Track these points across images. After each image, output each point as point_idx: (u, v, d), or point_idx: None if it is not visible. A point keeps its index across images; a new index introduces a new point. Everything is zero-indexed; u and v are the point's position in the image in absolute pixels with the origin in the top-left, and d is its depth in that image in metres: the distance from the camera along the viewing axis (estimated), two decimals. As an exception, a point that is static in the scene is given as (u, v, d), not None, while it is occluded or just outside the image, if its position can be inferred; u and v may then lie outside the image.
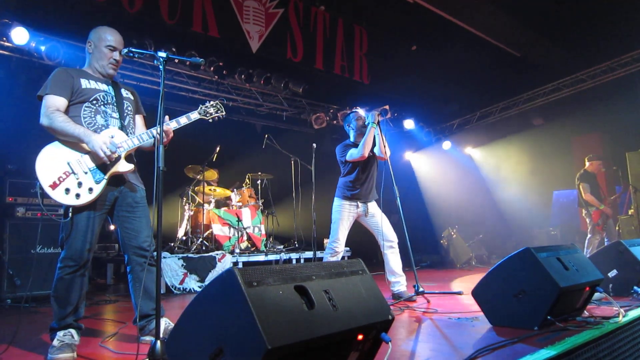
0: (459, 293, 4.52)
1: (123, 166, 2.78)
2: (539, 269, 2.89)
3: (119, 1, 6.16)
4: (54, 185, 2.59)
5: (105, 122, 2.81)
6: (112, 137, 2.76)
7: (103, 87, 2.87)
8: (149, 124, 3.12)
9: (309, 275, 1.87)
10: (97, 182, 2.68)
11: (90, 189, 2.66)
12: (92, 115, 2.78)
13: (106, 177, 2.71)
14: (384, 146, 4.56)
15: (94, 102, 2.80)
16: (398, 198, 4.55)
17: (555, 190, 10.12)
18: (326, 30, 8.57)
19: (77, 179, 2.64)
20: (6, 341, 2.79)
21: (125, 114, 2.93)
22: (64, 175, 2.62)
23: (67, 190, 2.61)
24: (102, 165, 2.71)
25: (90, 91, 2.80)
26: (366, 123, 4.53)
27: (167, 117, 2.91)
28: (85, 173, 2.67)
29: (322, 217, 5.70)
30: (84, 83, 2.80)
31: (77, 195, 2.62)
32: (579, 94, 8.72)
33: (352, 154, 4.51)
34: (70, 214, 2.67)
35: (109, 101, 2.86)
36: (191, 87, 7.60)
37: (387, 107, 4.56)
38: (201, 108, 3.07)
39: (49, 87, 2.72)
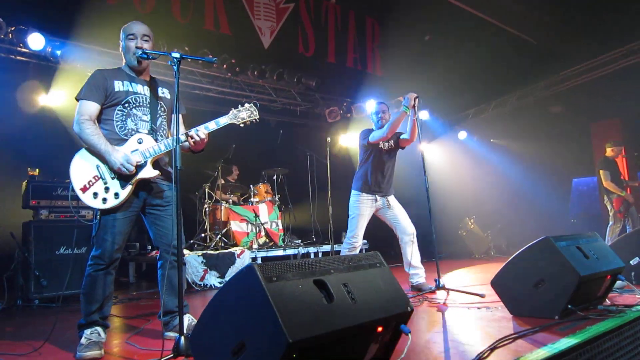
0: (482, 295, 3.93)
1: (149, 172, 2.81)
2: (559, 258, 2.87)
3: (131, 2, 6.23)
4: (84, 189, 2.69)
5: (135, 125, 2.84)
6: (141, 142, 2.81)
7: (137, 88, 2.89)
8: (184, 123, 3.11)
9: (327, 269, 1.89)
10: (123, 188, 2.74)
11: (117, 194, 2.72)
12: (123, 119, 2.83)
13: (132, 182, 2.77)
14: (415, 132, 4.44)
15: (126, 105, 2.83)
16: (428, 190, 4.36)
17: (574, 178, 9.96)
18: (337, 24, 8.54)
19: (105, 183, 2.71)
20: (34, 340, 2.87)
21: (157, 115, 2.94)
22: (93, 179, 2.71)
23: (95, 195, 2.69)
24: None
25: (123, 94, 2.83)
26: (403, 104, 4.34)
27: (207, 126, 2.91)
28: (113, 178, 2.74)
29: (338, 211, 5.72)
30: (117, 85, 2.83)
31: (104, 200, 2.70)
32: (597, 79, 8.54)
33: (375, 134, 4.44)
34: (98, 216, 2.75)
35: (141, 103, 2.88)
36: (204, 85, 7.65)
37: (416, 95, 4.42)
38: (232, 112, 2.99)
39: (83, 92, 2.78)
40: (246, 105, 3.06)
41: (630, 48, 7.93)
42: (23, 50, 5.90)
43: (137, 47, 2.84)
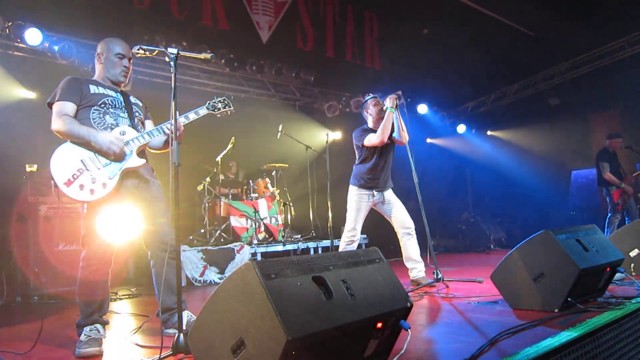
0: (479, 281, 4.36)
1: (135, 161, 2.82)
2: (558, 251, 2.87)
3: (129, -3, 6.20)
4: (68, 183, 2.64)
5: (115, 120, 2.86)
6: (123, 134, 2.81)
7: (111, 93, 2.94)
8: (163, 118, 3.14)
9: (326, 266, 1.89)
10: (111, 178, 2.73)
11: (104, 184, 2.70)
12: (101, 116, 2.83)
13: (119, 172, 2.75)
14: (403, 130, 4.53)
15: (102, 105, 2.85)
16: (417, 184, 4.50)
17: (574, 170, 9.95)
18: (336, 18, 8.50)
19: (91, 175, 2.69)
20: (33, 338, 2.86)
21: (134, 116, 2.98)
22: (77, 172, 2.68)
23: (82, 187, 2.66)
24: (115, 161, 2.76)
25: (98, 96, 2.86)
26: (384, 108, 4.49)
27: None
28: (99, 169, 2.72)
29: (337, 205, 5.71)
30: (93, 89, 2.86)
31: (92, 191, 2.67)
32: (596, 71, 8.52)
33: (371, 138, 4.47)
34: (86, 211, 2.73)
35: (117, 105, 2.92)
36: (203, 80, 7.62)
37: (399, 92, 4.52)
38: (209, 103, 3.09)
39: (58, 95, 2.79)
40: (220, 97, 3.16)
41: (630, 39, 7.91)
42: (21, 45, 5.87)
43: (122, 65, 2.95)
